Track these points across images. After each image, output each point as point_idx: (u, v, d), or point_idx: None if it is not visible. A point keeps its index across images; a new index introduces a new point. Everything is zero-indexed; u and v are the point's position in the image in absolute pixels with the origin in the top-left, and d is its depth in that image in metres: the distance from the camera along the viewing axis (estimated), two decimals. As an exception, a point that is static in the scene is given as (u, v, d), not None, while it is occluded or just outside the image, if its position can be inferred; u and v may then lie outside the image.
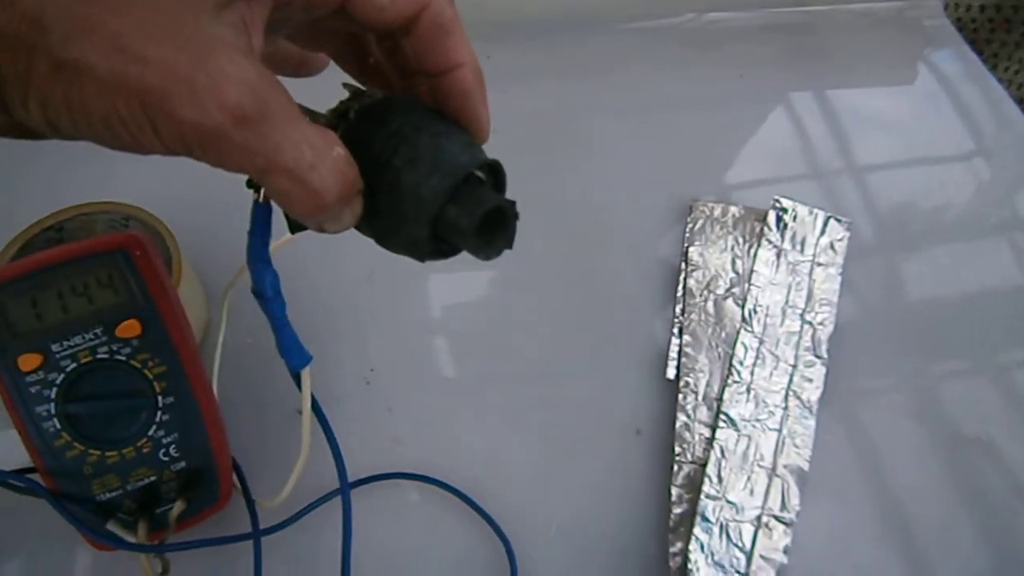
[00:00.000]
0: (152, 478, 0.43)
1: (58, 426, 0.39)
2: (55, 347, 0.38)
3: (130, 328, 0.39)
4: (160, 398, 0.42)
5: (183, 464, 0.43)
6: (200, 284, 0.54)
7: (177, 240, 0.50)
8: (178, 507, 0.42)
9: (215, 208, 0.52)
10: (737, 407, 0.52)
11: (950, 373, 0.57)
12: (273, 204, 0.28)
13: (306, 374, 0.34)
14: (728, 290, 0.56)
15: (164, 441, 0.43)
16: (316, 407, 0.37)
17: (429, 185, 0.27)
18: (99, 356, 0.39)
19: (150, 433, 0.42)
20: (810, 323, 0.55)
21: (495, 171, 0.30)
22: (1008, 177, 0.66)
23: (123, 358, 0.40)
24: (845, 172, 0.65)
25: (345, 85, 0.32)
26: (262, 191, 0.29)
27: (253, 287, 0.31)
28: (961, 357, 0.57)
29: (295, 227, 0.30)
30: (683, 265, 0.58)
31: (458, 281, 0.57)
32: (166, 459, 0.43)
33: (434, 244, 0.28)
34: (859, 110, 0.69)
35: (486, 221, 0.27)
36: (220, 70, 0.22)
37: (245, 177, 0.27)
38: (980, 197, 0.64)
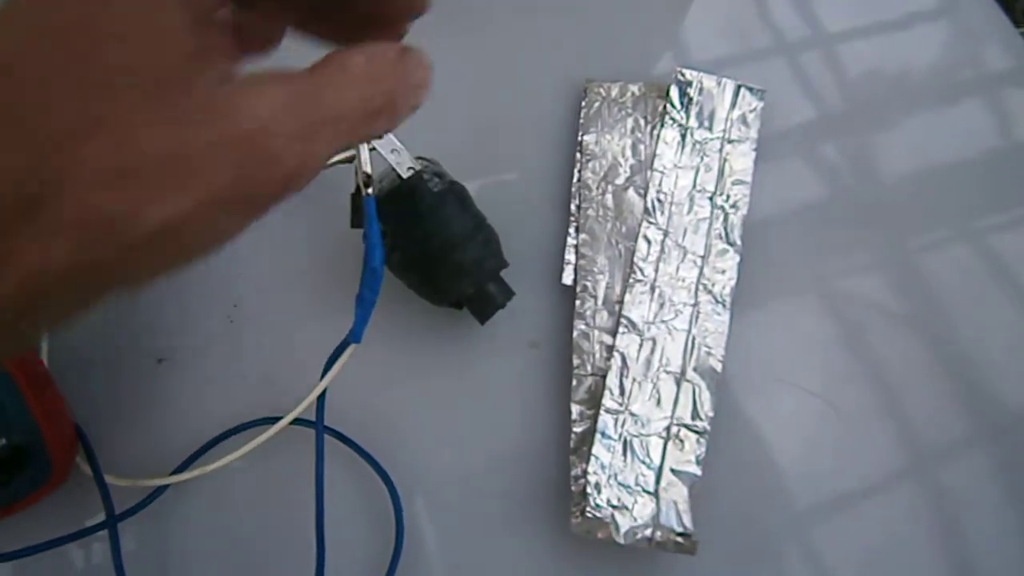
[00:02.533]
0: (-31, 458, 0.38)
1: None
2: None
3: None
4: (-36, 370, 0.37)
5: (3, 441, 0.38)
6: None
7: None
8: (-10, 490, 0.37)
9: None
10: (639, 309, 0.47)
11: (887, 256, 0.51)
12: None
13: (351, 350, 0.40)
14: (628, 179, 0.50)
15: (-23, 417, 0.38)
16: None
17: (490, 264, 0.44)
18: None
19: (-42, 409, 0.37)
20: (721, 207, 0.50)
21: None
22: (973, 34, 0.58)
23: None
24: (782, 41, 0.58)
25: (419, 158, 0.44)
26: (370, 188, 0.39)
27: (370, 263, 0.37)
28: (924, 228, 0.52)
29: (356, 223, 0.42)
30: (578, 155, 0.51)
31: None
32: (-17, 436, 0.38)
33: (464, 300, 0.45)
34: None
35: None
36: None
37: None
38: (945, 58, 0.57)
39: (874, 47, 0.57)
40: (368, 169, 0.41)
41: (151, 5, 0.20)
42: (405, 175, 0.43)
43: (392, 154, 0.43)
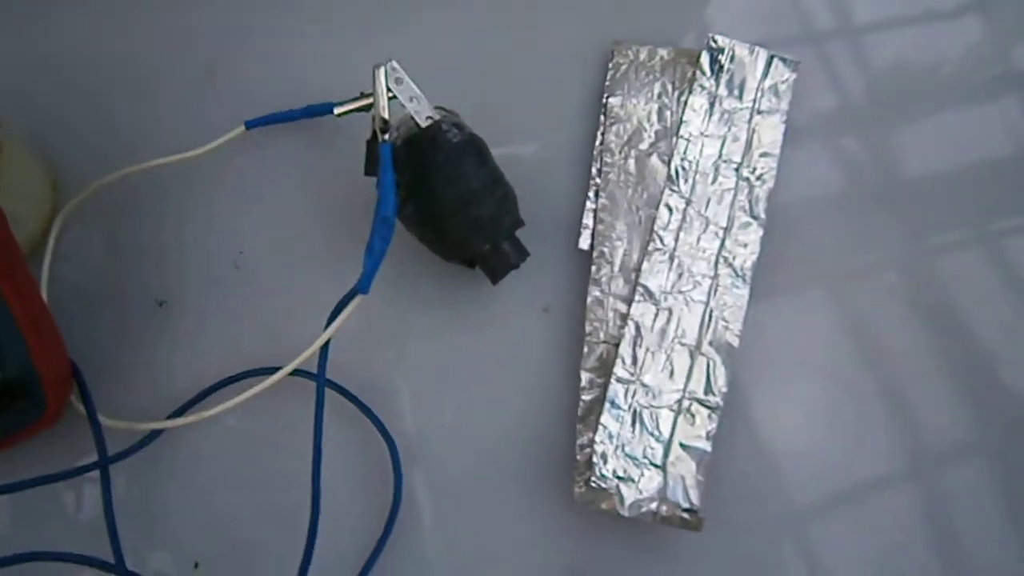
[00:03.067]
0: (-39, 388, 0.37)
1: None
2: None
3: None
4: (-42, 298, 0.36)
5: (-3, 373, 0.37)
6: (44, 166, 0.47)
7: (1, 123, 0.42)
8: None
9: (77, 101, 0.50)
10: (657, 277, 0.45)
11: (909, 249, 0.50)
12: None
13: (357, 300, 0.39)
14: (653, 145, 0.49)
15: (-30, 347, 0.37)
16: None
17: (506, 221, 0.43)
18: None
19: (-49, 338, 0.36)
20: (747, 179, 0.48)
21: None
22: (1006, 30, 0.56)
23: None
24: (811, 28, 0.56)
25: (438, 107, 0.42)
26: (387, 135, 0.40)
27: (382, 211, 0.38)
28: (944, 226, 0.50)
29: (369, 170, 0.42)
30: (601, 118, 0.50)
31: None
32: (-25, 367, 0.37)
33: (477, 257, 0.43)
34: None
35: None
36: None
37: None
38: (973, 55, 0.55)
39: (903, 39, 0.55)
40: (385, 115, 0.40)
41: None
42: (423, 124, 0.41)
43: (411, 102, 0.41)
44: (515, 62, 0.51)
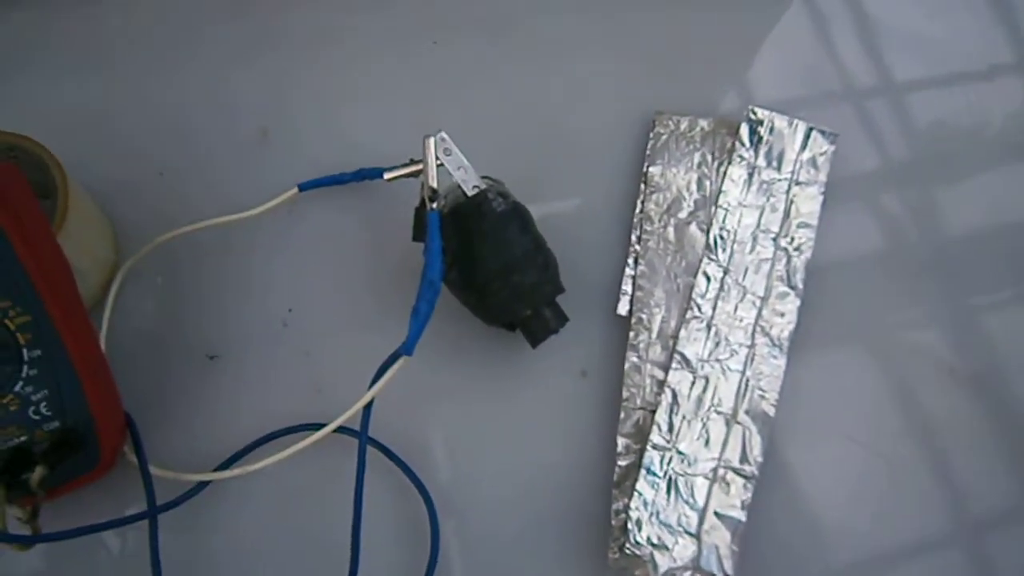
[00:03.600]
0: (22, 438, 0.39)
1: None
2: None
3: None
4: (25, 351, 0.38)
5: (56, 424, 0.39)
6: (106, 223, 0.49)
7: (66, 171, 0.45)
8: (39, 473, 0.38)
9: (137, 159, 0.52)
10: (694, 345, 0.46)
11: (950, 312, 0.50)
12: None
13: (401, 362, 0.40)
14: (692, 214, 0.50)
15: (33, 398, 0.38)
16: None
17: (547, 289, 0.44)
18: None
19: (16, 389, 0.38)
20: (784, 249, 0.49)
21: None
22: None
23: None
24: (851, 87, 0.57)
25: (484, 177, 0.44)
26: (435, 203, 0.41)
27: (429, 276, 0.40)
28: (987, 288, 0.51)
29: (417, 236, 0.44)
30: (642, 187, 0.51)
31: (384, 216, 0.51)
32: (37, 418, 0.39)
33: (517, 322, 0.44)
34: (883, 21, 0.59)
35: None
36: None
37: None
38: (1013, 116, 0.55)
39: (944, 98, 0.55)
40: (434, 184, 0.42)
41: None
42: (470, 192, 0.43)
43: (459, 171, 0.43)
44: (559, 131, 0.53)
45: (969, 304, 0.50)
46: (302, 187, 0.49)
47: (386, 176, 0.47)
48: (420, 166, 0.45)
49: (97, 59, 0.54)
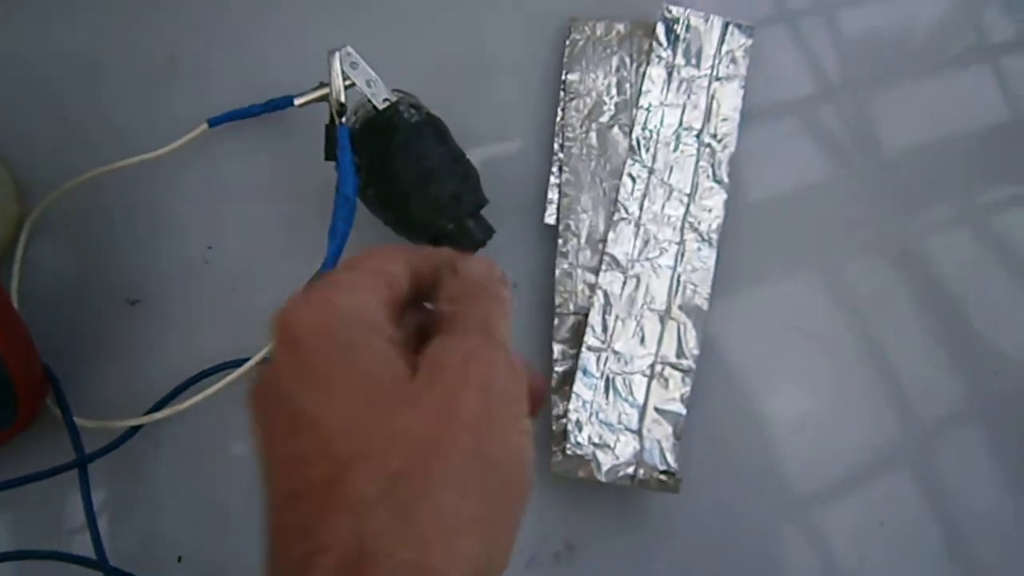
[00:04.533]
0: (-67, 395, 0.37)
1: None
2: None
3: None
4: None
5: (-31, 379, 0.37)
6: (5, 180, 0.47)
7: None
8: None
9: (35, 105, 0.50)
10: (623, 246, 0.46)
11: (877, 200, 0.50)
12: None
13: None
14: (613, 117, 0.49)
15: (-61, 352, 0.37)
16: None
17: (469, 199, 0.43)
18: None
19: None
20: (708, 145, 0.48)
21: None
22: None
23: None
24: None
25: (395, 90, 0.43)
26: (343, 118, 0.41)
27: (343, 191, 0.40)
28: (896, 184, 0.50)
29: (329, 155, 0.42)
30: (561, 94, 0.50)
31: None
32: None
33: (442, 236, 0.43)
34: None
35: None
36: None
37: None
38: (944, 26, 0.55)
39: (874, 12, 0.55)
40: (342, 98, 0.40)
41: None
42: (381, 106, 0.42)
43: (368, 86, 0.42)
44: (473, 43, 0.52)
45: (896, 196, 0.50)
46: (212, 122, 0.48)
47: (296, 102, 0.45)
48: (327, 88, 0.43)
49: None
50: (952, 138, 0.51)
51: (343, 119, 0.40)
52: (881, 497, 0.44)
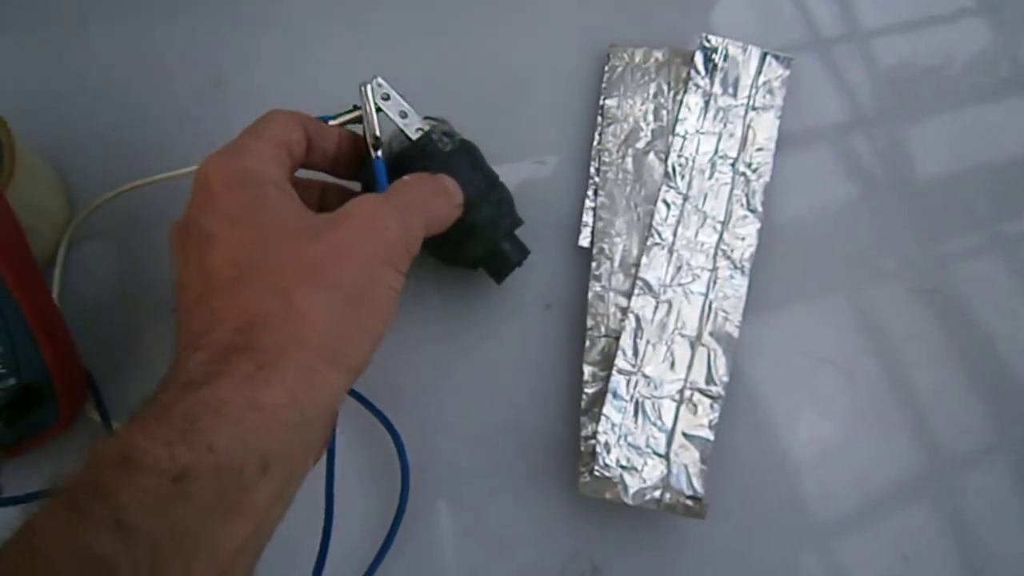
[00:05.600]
0: (-23, 396, 0.38)
1: None
2: None
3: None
4: (-26, 306, 0.37)
5: (12, 381, 0.38)
6: (56, 180, 0.49)
7: (11, 128, 0.44)
8: (-4, 430, 0.37)
9: (88, 116, 0.52)
10: (656, 271, 0.46)
11: (910, 235, 0.50)
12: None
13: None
14: (649, 143, 0.50)
15: (-14, 355, 0.38)
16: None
17: (504, 223, 0.44)
18: None
19: (-32, 346, 0.38)
20: (743, 174, 0.49)
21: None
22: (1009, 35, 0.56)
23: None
24: (813, 28, 0.56)
25: (427, 117, 0.43)
26: (379, 151, 0.41)
27: None
28: (927, 219, 0.50)
29: (366, 186, 0.43)
30: (599, 119, 0.51)
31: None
32: (-9, 375, 0.38)
33: (479, 260, 0.44)
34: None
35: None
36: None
37: None
38: (979, 58, 0.55)
39: (909, 42, 0.55)
40: (376, 131, 0.41)
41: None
42: (414, 136, 0.42)
43: (401, 117, 0.42)
44: (512, 68, 0.53)
45: (927, 227, 0.50)
46: None
47: (331, 124, 0.46)
48: (359, 112, 0.44)
49: (44, 15, 0.53)
50: (982, 167, 0.51)
51: (378, 152, 0.40)
52: (905, 531, 0.44)
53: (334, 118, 0.45)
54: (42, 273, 0.43)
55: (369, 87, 0.41)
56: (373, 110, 0.41)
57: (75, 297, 0.46)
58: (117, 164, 0.48)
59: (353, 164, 0.42)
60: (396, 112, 0.42)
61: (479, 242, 0.43)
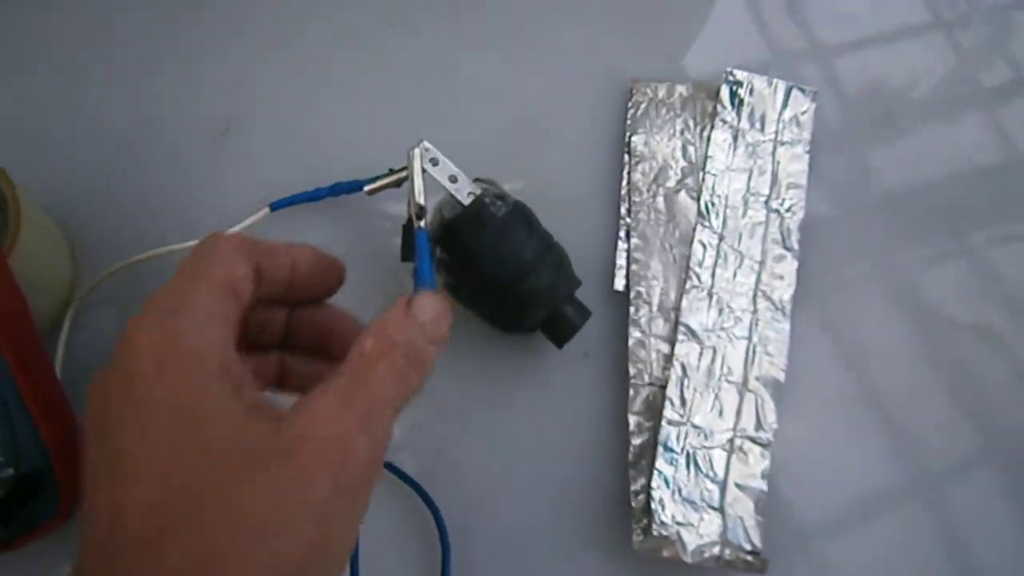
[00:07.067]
0: (-25, 487, 0.35)
1: None
2: None
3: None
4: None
5: (11, 471, 0.36)
6: (61, 238, 0.46)
7: (16, 187, 0.41)
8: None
9: (94, 173, 0.49)
10: (698, 315, 0.45)
11: (933, 258, 0.49)
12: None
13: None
14: (680, 182, 0.48)
15: (-16, 444, 0.35)
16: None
17: (564, 287, 0.41)
18: None
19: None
20: (777, 211, 0.48)
21: None
22: (978, 51, 0.56)
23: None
24: (807, 49, 0.56)
25: (476, 179, 0.41)
26: (423, 221, 0.36)
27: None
28: (941, 241, 0.50)
29: (406, 256, 0.41)
30: (626, 158, 0.49)
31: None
32: (-11, 465, 0.36)
33: (542, 325, 0.42)
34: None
35: None
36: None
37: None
38: (949, 74, 0.55)
39: (874, 60, 0.55)
40: (421, 200, 0.38)
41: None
42: (466, 201, 0.40)
43: (451, 181, 0.40)
44: (534, 106, 0.51)
45: (967, 248, 0.49)
46: (274, 207, 0.46)
47: (366, 189, 0.44)
48: (401, 174, 0.42)
49: (39, 63, 0.51)
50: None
51: (422, 222, 0.37)
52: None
53: (370, 182, 0.43)
54: (43, 345, 0.40)
55: (417, 151, 0.39)
56: (420, 176, 0.39)
57: (78, 364, 0.43)
58: (125, 224, 0.46)
59: (312, 284, 0.34)
60: (446, 176, 0.40)
61: (540, 307, 0.41)
